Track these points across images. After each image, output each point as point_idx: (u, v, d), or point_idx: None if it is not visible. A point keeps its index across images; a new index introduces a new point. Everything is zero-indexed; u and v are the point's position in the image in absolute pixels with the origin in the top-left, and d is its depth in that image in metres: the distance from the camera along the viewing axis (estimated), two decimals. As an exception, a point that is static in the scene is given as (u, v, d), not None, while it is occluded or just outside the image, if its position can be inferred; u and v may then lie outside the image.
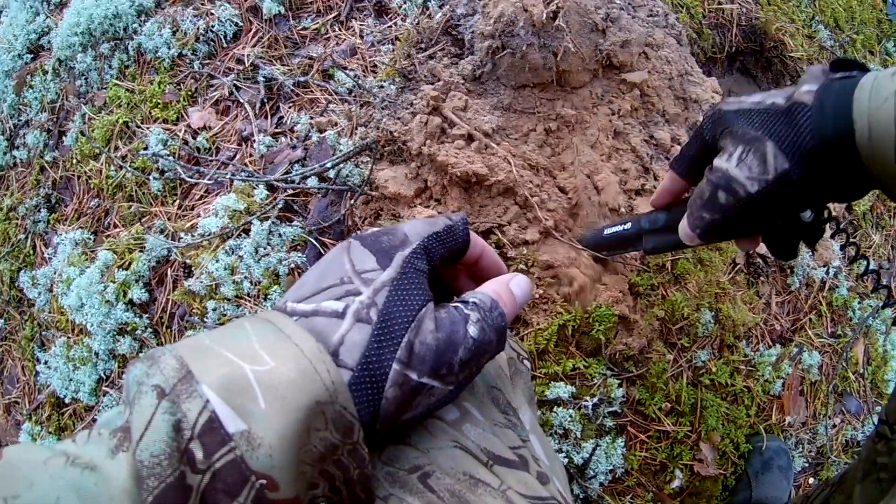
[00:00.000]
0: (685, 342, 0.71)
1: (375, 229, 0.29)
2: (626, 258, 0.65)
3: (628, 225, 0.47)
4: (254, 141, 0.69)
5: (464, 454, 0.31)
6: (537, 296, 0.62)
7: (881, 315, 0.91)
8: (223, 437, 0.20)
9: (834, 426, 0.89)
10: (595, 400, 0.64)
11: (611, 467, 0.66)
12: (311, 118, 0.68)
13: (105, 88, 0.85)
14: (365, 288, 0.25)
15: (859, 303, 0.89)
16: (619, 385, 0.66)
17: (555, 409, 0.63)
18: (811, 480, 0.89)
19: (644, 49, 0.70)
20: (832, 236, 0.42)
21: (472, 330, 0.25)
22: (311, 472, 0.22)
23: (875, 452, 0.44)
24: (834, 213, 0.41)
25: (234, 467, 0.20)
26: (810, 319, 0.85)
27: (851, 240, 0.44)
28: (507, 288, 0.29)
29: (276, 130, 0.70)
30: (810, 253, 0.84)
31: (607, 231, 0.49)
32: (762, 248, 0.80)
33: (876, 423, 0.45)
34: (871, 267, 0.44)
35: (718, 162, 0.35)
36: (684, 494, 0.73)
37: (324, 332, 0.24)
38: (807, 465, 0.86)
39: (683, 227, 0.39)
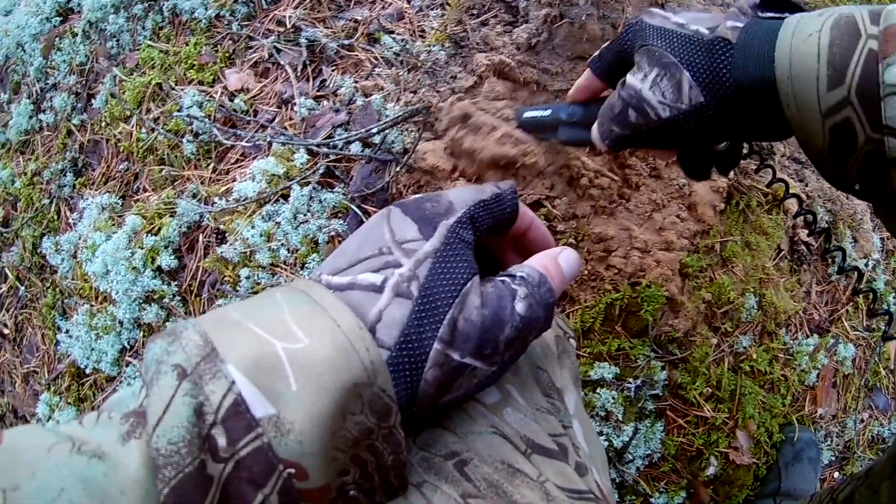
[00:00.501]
0: (728, 327, 0.68)
1: (418, 196, 0.26)
2: (681, 233, 0.62)
3: (548, 112, 0.44)
4: (294, 104, 0.66)
5: (502, 441, 0.29)
6: (585, 272, 0.59)
7: (914, 311, 0.89)
8: (249, 423, 0.18)
9: (862, 421, 0.86)
10: (638, 382, 0.61)
11: (648, 452, 0.63)
12: (356, 82, 0.65)
13: (137, 50, 0.81)
14: (406, 259, 0.22)
15: (894, 297, 0.87)
16: (663, 368, 0.63)
17: (598, 390, 0.60)
18: (836, 474, 0.87)
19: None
20: (745, 157, 0.40)
21: (520, 306, 0.23)
22: (343, 458, 0.20)
23: None
24: (756, 147, 0.39)
25: (260, 455, 0.18)
26: (847, 311, 0.83)
27: (767, 162, 0.42)
28: (555, 262, 0.26)
29: (319, 94, 0.66)
30: (852, 243, 0.81)
31: (527, 114, 0.46)
32: (806, 235, 0.77)
33: None
34: (790, 191, 0.43)
35: (631, 79, 0.34)
36: (717, 482, 0.71)
37: (360, 307, 0.21)
38: (833, 458, 0.84)
39: (594, 132, 0.38)
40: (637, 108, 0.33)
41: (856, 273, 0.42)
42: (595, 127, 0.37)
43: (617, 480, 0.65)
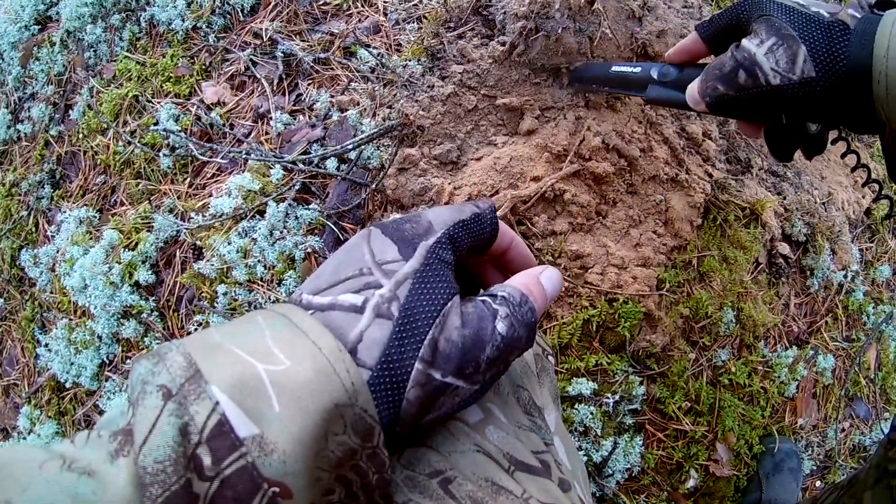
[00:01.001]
0: (706, 341, 0.68)
1: (397, 216, 0.26)
2: (658, 248, 0.62)
3: (638, 69, 0.45)
4: (270, 118, 0.65)
5: (486, 459, 0.29)
6: (563, 289, 0.59)
7: (894, 320, 0.89)
8: (233, 442, 0.18)
9: (843, 430, 0.86)
10: (616, 397, 0.61)
11: (628, 466, 0.63)
12: (332, 96, 0.64)
13: (115, 61, 0.80)
14: (386, 280, 0.23)
15: (874, 308, 0.87)
16: (641, 383, 0.63)
17: (576, 405, 0.60)
18: (818, 483, 0.87)
19: (680, 40, 0.66)
20: (833, 142, 0.40)
21: (501, 326, 0.23)
22: (327, 478, 0.20)
23: (887, 459, 0.43)
24: (844, 134, 0.39)
25: (244, 474, 0.18)
26: (826, 322, 0.83)
27: (852, 149, 0.41)
28: (537, 281, 0.26)
29: (295, 108, 0.65)
30: (831, 255, 0.81)
31: (615, 68, 0.47)
32: (785, 248, 0.77)
33: (887, 429, 0.44)
34: (872, 177, 0.42)
35: (747, 43, 0.34)
36: (698, 494, 0.71)
37: (341, 327, 0.21)
38: (815, 468, 0.84)
39: (693, 90, 0.38)
40: (748, 70, 0.34)
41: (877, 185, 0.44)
42: (695, 84, 0.38)
43: (597, 494, 0.64)
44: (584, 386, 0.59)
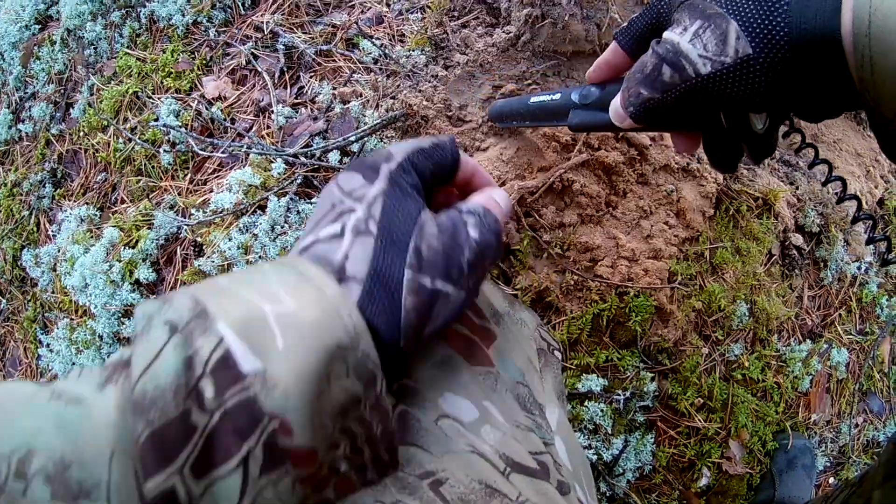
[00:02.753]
0: (719, 335, 0.66)
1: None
2: (669, 240, 0.60)
3: (557, 96, 0.40)
4: (272, 112, 0.63)
5: (480, 461, 0.28)
6: (572, 282, 0.57)
7: (908, 313, 0.87)
8: (237, 376, 0.18)
9: (857, 425, 0.84)
10: (627, 394, 0.58)
11: (639, 464, 0.61)
12: (334, 88, 0.62)
13: (115, 58, 0.78)
14: (357, 204, 0.24)
15: (888, 300, 0.84)
16: (652, 379, 0.61)
17: (586, 402, 0.57)
18: (831, 480, 0.84)
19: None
20: (784, 135, 0.34)
21: (473, 232, 0.25)
22: (331, 427, 0.20)
23: None
24: (797, 124, 0.33)
25: (246, 407, 0.18)
26: (840, 315, 0.80)
27: (806, 141, 0.35)
28: (491, 197, 0.28)
29: (296, 101, 0.64)
30: (844, 246, 0.79)
31: (533, 99, 0.42)
32: (799, 240, 0.75)
33: None
34: (833, 175, 0.37)
35: (669, 34, 0.29)
36: (710, 493, 0.68)
37: (326, 255, 0.22)
38: (828, 464, 0.82)
39: (615, 104, 0.33)
40: (673, 64, 0.28)
41: (855, 202, 0.39)
42: (617, 98, 0.32)
43: (607, 494, 0.62)
44: (595, 382, 0.57)
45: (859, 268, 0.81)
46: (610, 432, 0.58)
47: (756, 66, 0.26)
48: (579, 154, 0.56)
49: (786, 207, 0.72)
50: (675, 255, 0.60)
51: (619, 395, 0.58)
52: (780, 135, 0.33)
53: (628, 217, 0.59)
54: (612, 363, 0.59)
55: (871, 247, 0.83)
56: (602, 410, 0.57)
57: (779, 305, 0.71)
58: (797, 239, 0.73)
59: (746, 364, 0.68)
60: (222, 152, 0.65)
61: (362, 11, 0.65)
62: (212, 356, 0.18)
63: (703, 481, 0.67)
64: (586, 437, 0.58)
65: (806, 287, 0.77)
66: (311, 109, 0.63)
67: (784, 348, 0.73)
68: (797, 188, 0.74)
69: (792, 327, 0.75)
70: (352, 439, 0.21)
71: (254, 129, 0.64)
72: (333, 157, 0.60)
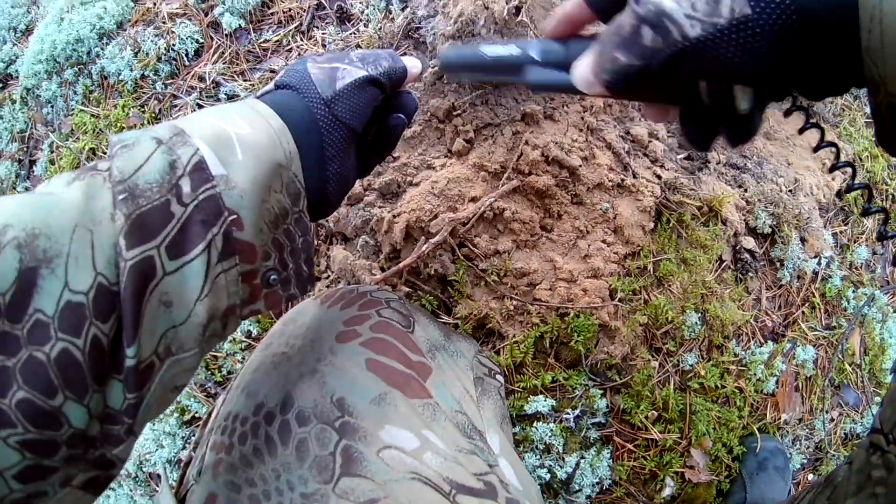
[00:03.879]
0: (671, 346, 0.68)
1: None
2: (608, 258, 0.62)
3: (514, 49, 0.36)
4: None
5: (423, 486, 0.30)
6: (512, 308, 0.59)
7: (877, 303, 0.87)
8: (207, 177, 0.25)
9: (832, 420, 0.85)
10: (577, 412, 0.60)
11: (597, 479, 0.62)
12: (272, 135, 0.65)
13: (71, 115, 0.82)
14: None
15: (854, 292, 0.85)
16: (602, 395, 0.63)
17: (535, 423, 0.60)
18: (811, 476, 0.85)
19: (614, 44, 0.66)
20: (786, 114, 0.30)
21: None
22: (267, 234, 0.27)
23: (870, 465, 0.41)
24: (800, 102, 0.29)
25: (212, 201, 0.25)
26: (803, 313, 0.81)
27: (813, 121, 0.32)
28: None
29: (238, 149, 0.67)
30: (800, 244, 0.80)
31: (485, 49, 0.37)
32: (750, 243, 0.76)
33: (870, 427, 0.42)
34: (842, 160, 0.33)
35: None
36: (676, 502, 0.70)
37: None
38: (805, 461, 0.83)
39: (583, 69, 0.29)
40: (655, 25, 0.24)
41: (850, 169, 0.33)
42: (583, 62, 0.29)
43: (570, 510, 0.64)
44: (542, 403, 0.59)
45: (819, 263, 0.82)
46: (562, 451, 0.60)
47: (756, 28, 0.23)
48: (509, 181, 0.59)
49: (734, 211, 0.73)
50: (615, 273, 0.62)
51: (568, 413, 0.60)
52: (782, 114, 0.28)
53: (564, 239, 0.61)
54: (559, 383, 0.61)
55: (832, 239, 0.84)
56: (552, 430, 0.59)
57: (734, 310, 0.72)
58: (748, 242, 0.75)
59: (702, 372, 0.69)
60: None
61: (299, 54, 0.68)
62: (190, 161, 0.25)
63: (667, 491, 0.68)
64: (538, 456, 0.60)
65: (763, 288, 0.78)
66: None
67: (743, 352, 0.74)
68: (746, 191, 0.76)
69: (751, 331, 0.76)
70: (279, 251, 0.27)
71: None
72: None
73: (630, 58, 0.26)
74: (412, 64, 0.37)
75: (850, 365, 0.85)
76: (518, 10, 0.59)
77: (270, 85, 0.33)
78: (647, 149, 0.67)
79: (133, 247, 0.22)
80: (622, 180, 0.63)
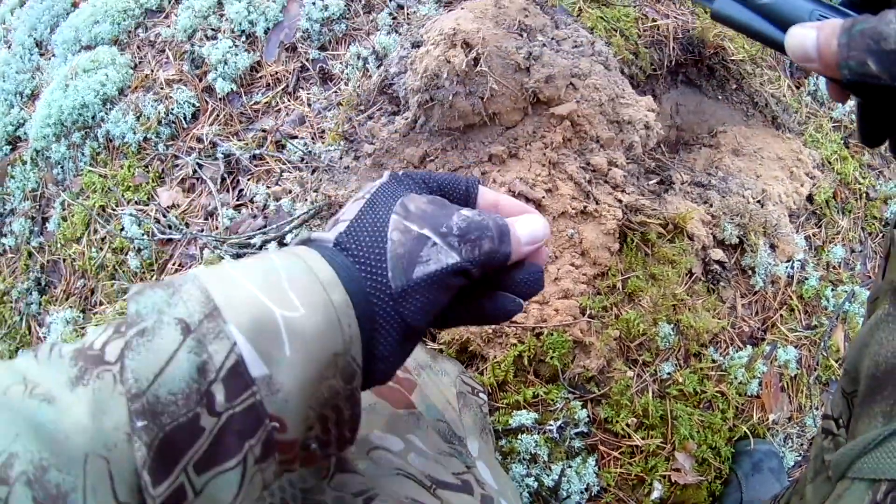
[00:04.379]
0: (647, 357, 0.79)
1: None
2: (577, 279, 0.73)
3: None
4: (218, 215, 0.80)
5: (407, 480, 0.39)
6: (490, 330, 0.71)
7: (859, 298, 0.97)
8: (247, 382, 0.21)
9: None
10: (559, 423, 0.72)
11: (584, 486, 0.73)
12: (268, 188, 0.79)
13: (80, 175, 0.97)
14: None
15: (832, 290, 0.96)
16: (583, 406, 0.74)
17: (520, 436, 0.71)
18: (809, 475, 0.94)
19: (571, 80, 0.79)
20: None
21: (465, 211, 0.29)
22: (313, 415, 0.24)
23: (823, 450, 0.45)
24: None
25: (252, 411, 0.22)
26: (781, 315, 0.92)
27: None
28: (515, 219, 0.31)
29: (238, 203, 0.80)
30: (770, 250, 0.91)
31: None
32: (718, 254, 0.87)
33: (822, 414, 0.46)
34: None
35: None
36: (668, 503, 0.80)
37: (324, 235, 0.28)
38: (799, 458, 0.92)
39: (807, 41, 0.30)
40: None
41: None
42: (813, 36, 0.29)
43: (562, 517, 0.74)
44: (525, 417, 0.70)
45: (792, 267, 0.93)
46: (548, 460, 0.71)
47: None
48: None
49: (700, 226, 0.85)
50: (585, 292, 0.74)
51: (551, 425, 0.71)
52: None
53: (536, 265, 0.73)
54: (540, 398, 0.72)
55: (804, 242, 0.95)
56: (536, 441, 0.70)
57: (708, 319, 0.83)
58: (717, 253, 0.86)
59: (681, 379, 0.80)
60: (179, 254, 0.81)
61: (287, 114, 0.82)
62: (224, 363, 0.21)
63: (656, 494, 0.79)
64: (525, 466, 0.71)
65: (738, 296, 0.89)
66: (251, 209, 0.79)
67: (722, 358, 0.85)
68: (711, 206, 0.88)
69: (729, 337, 0.87)
70: (323, 423, 0.25)
71: (205, 230, 0.81)
72: (273, 247, 0.76)
73: (883, 73, 0.28)
74: (531, 231, 0.30)
75: (835, 361, 0.95)
76: (476, 61, 0.72)
77: (330, 233, 0.27)
78: (607, 176, 0.79)
79: (160, 481, 0.20)
80: (584, 207, 0.75)
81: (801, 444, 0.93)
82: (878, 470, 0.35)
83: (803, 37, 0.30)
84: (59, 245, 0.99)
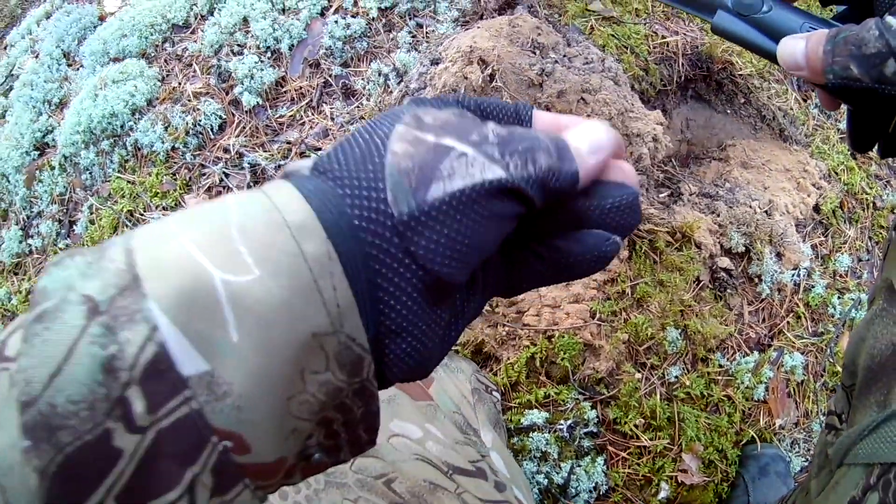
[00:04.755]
0: (655, 361, 0.87)
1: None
2: (587, 284, 0.82)
3: None
4: (245, 221, 0.89)
5: (425, 465, 0.44)
6: (504, 333, 0.79)
7: (865, 306, 1.05)
8: (175, 383, 0.15)
9: (832, 425, 1.01)
10: (569, 423, 0.80)
11: (593, 485, 0.81)
12: (293, 197, 0.88)
13: (108, 181, 1.07)
14: None
15: (839, 298, 1.03)
16: (592, 407, 0.82)
17: (531, 434, 0.79)
18: (817, 482, 1.01)
19: (581, 95, 0.88)
20: None
21: (498, 128, 0.21)
22: (308, 427, 0.18)
23: (826, 444, 0.48)
24: None
25: (188, 424, 0.16)
26: (788, 323, 0.99)
27: None
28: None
29: (264, 210, 0.90)
30: (776, 259, 0.99)
31: None
32: (725, 262, 0.96)
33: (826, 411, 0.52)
34: None
35: None
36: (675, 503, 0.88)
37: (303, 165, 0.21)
38: (806, 463, 0.99)
39: (795, 51, 0.32)
40: None
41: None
42: (801, 46, 0.32)
43: (571, 515, 0.82)
44: (536, 416, 0.79)
45: (798, 275, 1.00)
46: (557, 458, 0.79)
47: None
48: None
49: (707, 235, 0.93)
50: (595, 297, 0.82)
51: (561, 424, 0.79)
52: None
53: (548, 272, 0.82)
54: (551, 398, 0.80)
55: (811, 251, 1.03)
56: (546, 439, 0.78)
57: (715, 325, 0.91)
58: (724, 262, 0.94)
59: (688, 383, 0.88)
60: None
61: (311, 127, 0.92)
62: (140, 357, 0.15)
63: (663, 494, 0.86)
64: (536, 464, 0.79)
65: (745, 303, 0.97)
66: (277, 216, 0.88)
67: (729, 363, 0.93)
68: (718, 216, 0.96)
69: (736, 343, 0.95)
70: (327, 426, 0.19)
71: (232, 236, 0.90)
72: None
73: (864, 75, 0.29)
74: (592, 138, 0.22)
75: (842, 367, 1.02)
76: (492, 77, 0.81)
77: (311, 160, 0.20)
78: (618, 186, 0.88)
79: None
80: (596, 217, 0.84)
81: (808, 450, 1.00)
82: (871, 455, 0.36)
83: (793, 46, 0.32)
84: (86, 247, 1.08)
